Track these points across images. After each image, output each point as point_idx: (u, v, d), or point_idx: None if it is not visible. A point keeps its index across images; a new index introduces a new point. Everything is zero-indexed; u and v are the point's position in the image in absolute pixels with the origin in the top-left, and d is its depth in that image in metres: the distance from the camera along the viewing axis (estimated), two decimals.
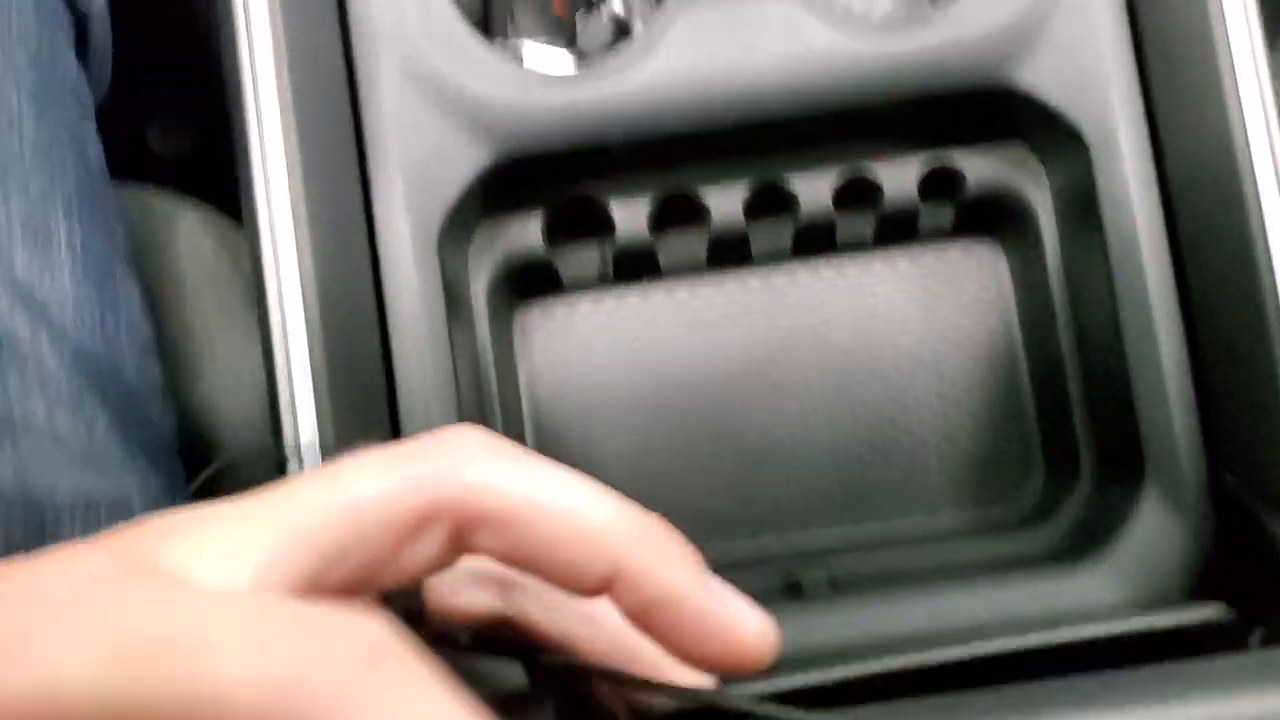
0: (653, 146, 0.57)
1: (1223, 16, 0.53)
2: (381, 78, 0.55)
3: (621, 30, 0.63)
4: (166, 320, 0.63)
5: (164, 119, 1.05)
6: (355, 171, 0.55)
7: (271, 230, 0.53)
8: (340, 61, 0.56)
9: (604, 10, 0.62)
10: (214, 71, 0.55)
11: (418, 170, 0.55)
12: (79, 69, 0.60)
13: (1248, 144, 0.52)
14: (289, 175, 0.52)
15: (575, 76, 0.56)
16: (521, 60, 0.59)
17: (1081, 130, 0.56)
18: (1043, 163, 0.60)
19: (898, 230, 0.62)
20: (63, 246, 0.54)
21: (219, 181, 0.59)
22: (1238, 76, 0.53)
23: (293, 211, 0.52)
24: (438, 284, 0.56)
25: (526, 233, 0.60)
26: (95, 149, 0.60)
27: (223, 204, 0.68)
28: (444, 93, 0.55)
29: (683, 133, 0.57)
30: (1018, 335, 0.64)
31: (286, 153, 0.52)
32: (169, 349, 0.61)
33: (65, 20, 0.60)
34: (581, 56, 0.62)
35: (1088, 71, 0.55)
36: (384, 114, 0.55)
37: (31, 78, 0.55)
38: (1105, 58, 0.55)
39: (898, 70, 0.56)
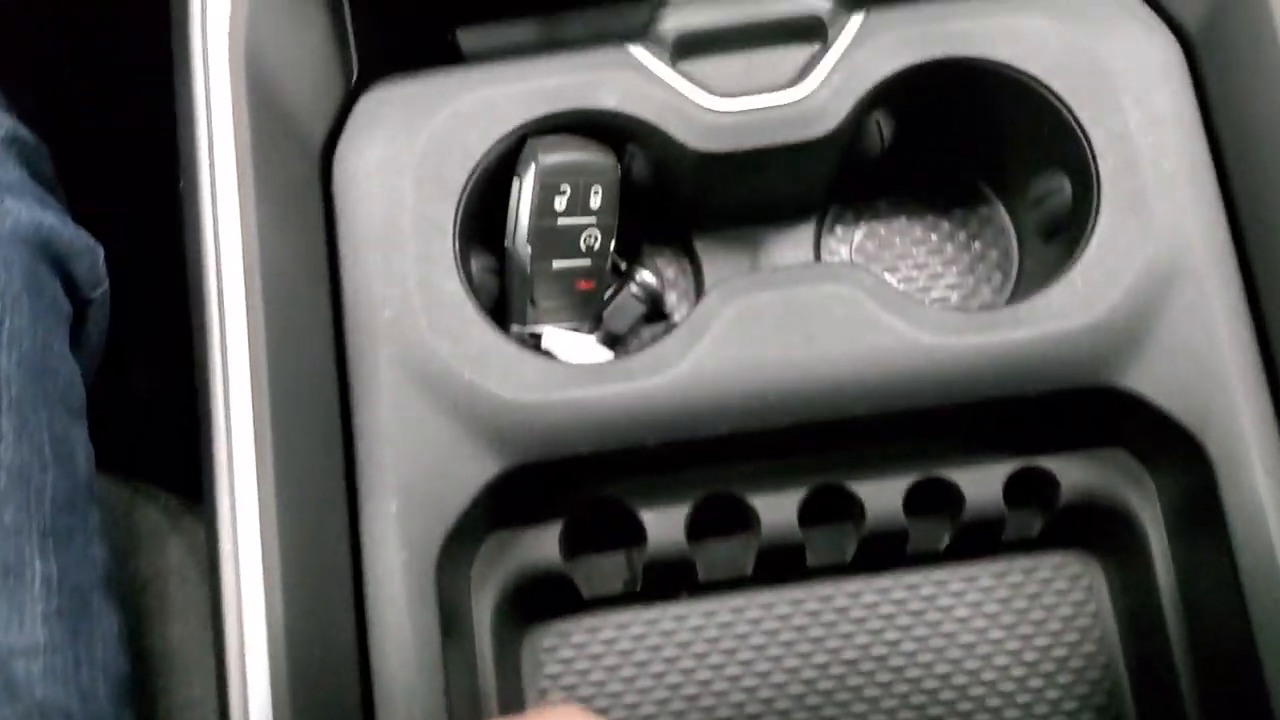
0: (693, 446, 0.49)
1: None
2: (379, 375, 0.47)
3: (655, 309, 0.55)
4: (137, 637, 0.55)
5: (143, 360, 0.98)
6: (341, 487, 0.46)
7: (234, 552, 0.43)
8: (329, 352, 0.48)
9: (634, 285, 0.55)
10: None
11: (417, 485, 0.46)
12: (72, 365, 0.54)
13: None
14: (259, 488, 0.44)
15: (606, 368, 0.48)
16: (542, 348, 0.51)
17: (1201, 439, 0.47)
18: (1149, 470, 0.51)
19: (977, 541, 0.53)
20: (36, 583, 0.48)
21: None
22: None
23: (262, 539, 0.43)
24: (433, 614, 0.46)
25: (541, 543, 0.51)
26: (84, 452, 0.54)
27: None
28: (452, 392, 0.47)
29: (729, 433, 0.48)
30: (1121, 666, 0.53)
31: (258, 463, 0.44)
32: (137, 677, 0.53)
33: (64, 312, 0.55)
34: (610, 339, 0.55)
35: (1207, 374, 0.47)
36: (379, 417, 0.47)
37: (19, 384, 0.50)
38: (1226, 359, 0.47)
39: (979, 368, 0.48)
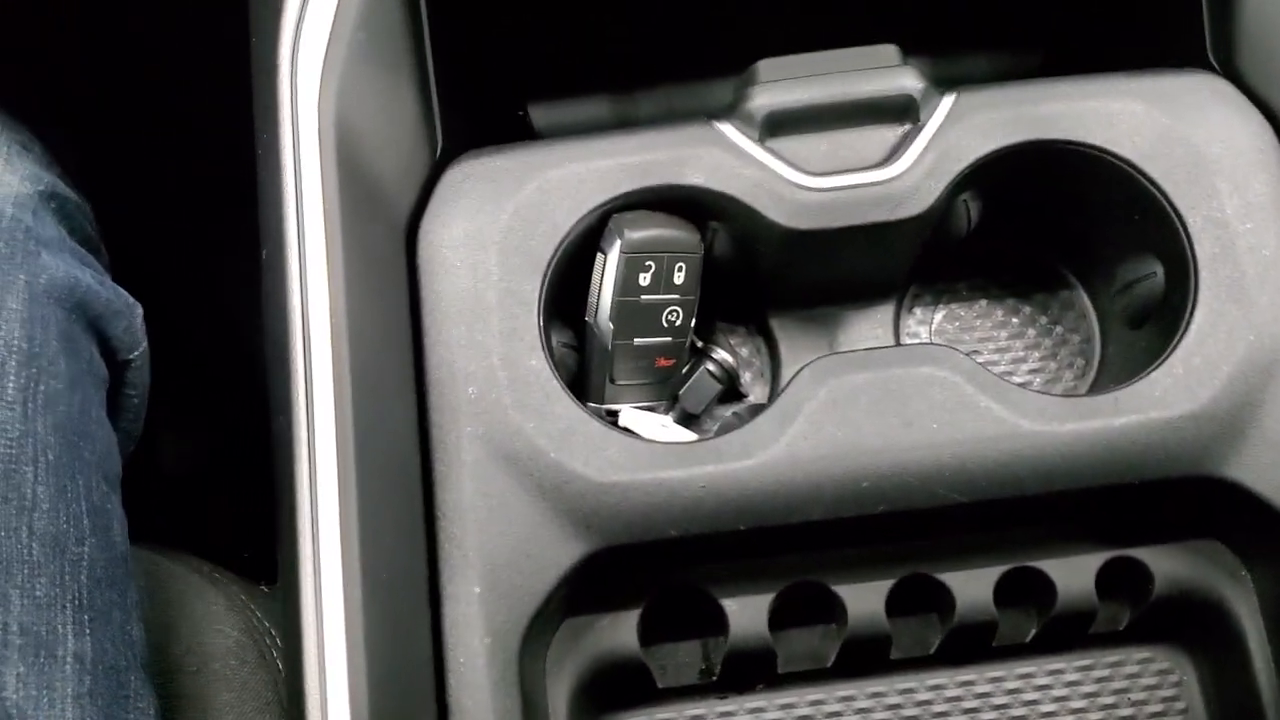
0: (782, 532, 0.47)
1: None
2: (462, 452, 0.45)
3: (732, 387, 0.54)
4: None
5: (173, 436, 0.97)
6: (423, 567, 0.45)
7: (318, 634, 0.42)
8: (412, 428, 0.46)
9: (711, 363, 0.54)
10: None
11: (501, 567, 0.44)
12: (110, 432, 0.52)
13: None
14: (344, 569, 0.42)
15: (695, 449, 0.46)
16: (618, 426, 0.50)
17: None
18: (1245, 563, 0.50)
19: (1063, 633, 0.51)
20: (68, 660, 0.45)
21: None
22: None
23: (346, 622, 0.41)
24: (516, 702, 0.45)
25: (617, 630, 0.49)
26: (120, 525, 0.51)
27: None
28: (537, 471, 0.45)
29: (820, 520, 0.47)
30: None
31: (343, 543, 0.42)
32: None
33: (100, 375, 0.52)
34: (684, 417, 0.53)
35: None
36: (463, 496, 0.45)
37: (55, 450, 0.48)
38: None
39: (1080, 456, 0.46)
